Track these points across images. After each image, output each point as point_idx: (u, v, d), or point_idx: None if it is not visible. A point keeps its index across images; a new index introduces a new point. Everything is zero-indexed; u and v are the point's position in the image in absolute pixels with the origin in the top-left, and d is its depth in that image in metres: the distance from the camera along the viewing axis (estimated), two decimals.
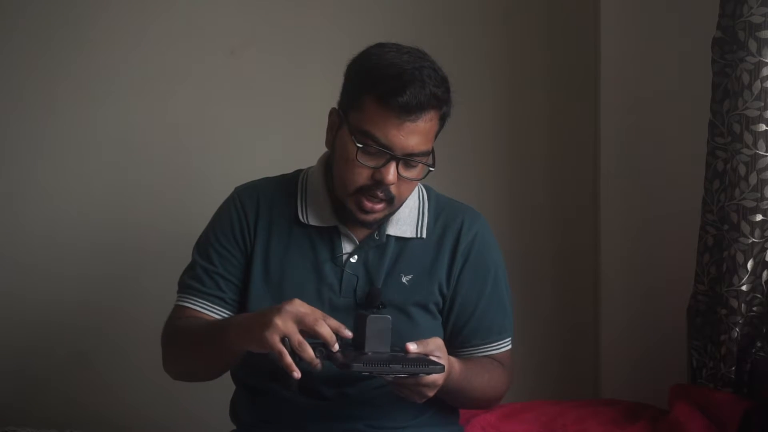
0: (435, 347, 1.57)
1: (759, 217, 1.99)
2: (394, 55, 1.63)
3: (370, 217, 1.69)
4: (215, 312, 1.74)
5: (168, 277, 1.84)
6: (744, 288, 2.01)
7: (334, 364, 1.50)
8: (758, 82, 1.95)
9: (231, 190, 1.83)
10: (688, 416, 1.97)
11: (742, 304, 2.01)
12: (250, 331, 1.53)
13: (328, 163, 1.77)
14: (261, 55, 2.61)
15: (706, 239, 2.14)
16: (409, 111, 1.60)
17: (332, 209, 1.75)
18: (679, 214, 2.34)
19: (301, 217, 1.75)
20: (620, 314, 2.50)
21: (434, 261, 1.77)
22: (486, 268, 1.80)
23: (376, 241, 1.75)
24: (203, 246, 1.79)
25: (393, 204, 1.69)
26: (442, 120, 1.68)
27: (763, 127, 1.96)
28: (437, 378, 1.54)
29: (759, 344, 2.05)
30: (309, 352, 1.48)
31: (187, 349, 1.72)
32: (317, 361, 1.49)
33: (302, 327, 1.50)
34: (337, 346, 1.50)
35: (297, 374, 1.47)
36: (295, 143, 2.36)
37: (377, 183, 1.64)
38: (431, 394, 1.57)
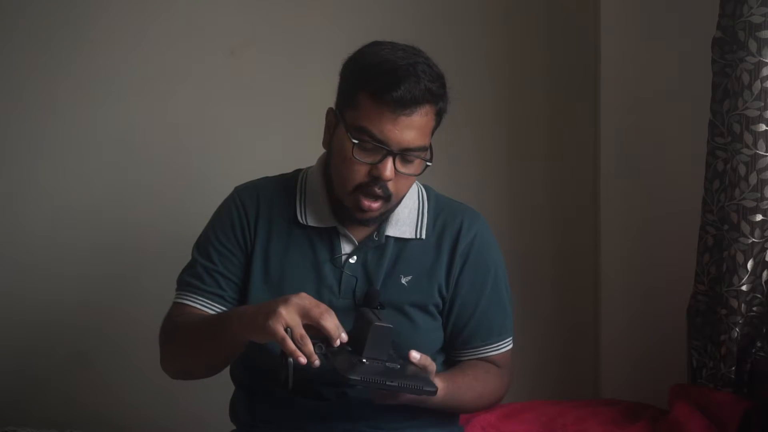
0: (430, 363, 1.59)
1: (759, 217, 1.98)
2: (389, 52, 1.64)
3: (368, 216, 1.69)
4: (214, 309, 1.74)
5: (168, 277, 1.83)
6: (744, 288, 2.01)
7: (329, 367, 1.50)
8: (758, 82, 1.95)
9: (231, 190, 1.83)
10: (688, 416, 1.97)
11: (742, 304, 2.01)
12: (254, 319, 1.53)
13: (326, 163, 1.77)
14: (261, 55, 2.61)
15: (706, 239, 2.14)
16: (404, 105, 1.60)
17: (331, 210, 1.75)
18: (679, 214, 2.33)
19: (299, 218, 1.76)
20: (620, 314, 2.50)
21: (434, 262, 1.77)
22: (486, 269, 1.80)
23: (375, 241, 1.75)
24: (203, 245, 1.79)
25: (390, 201, 1.69)
26: (439, 116, 1.68)
27: (763, 127, 1.96)
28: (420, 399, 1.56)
29: (759, 344, 2.05)
30: (309, 346, 1.49)
31: (186, 344, 1.72)
32: (316, 358, 1.49)
33: (307, 320, 1.51)
34: (338, 342, 1.51)
35: (302, 360, 1.48)
36: (295, 143, 2.36)
37: (375, 179, 1.64)
38: (391, 402, 1.59)
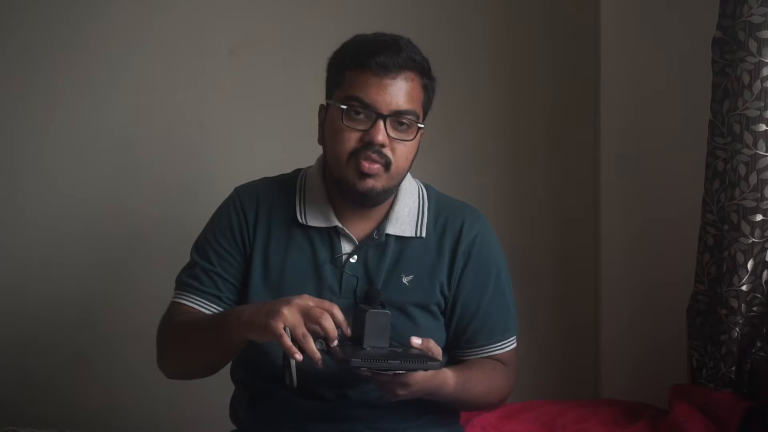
0: (434, 345, 1.58)
1: (759, 217, 1.98)
2: (370, 35, 1.72)
3: (371, 185, 1.67)
4: (211, 310, 1.75)
5: (168, 278, 1.83)
6: (744, 288, 2.01)
7: (332, 359, 1.51)
8: (758, 82, 1.95)
9: (231, 190, 1.83)
10: (688, 416, 1.97)
11: (742, 304, 2.01)
12: (255, 318, 1.54)
13: (324, 161, 1.77)
14: (261, 55, 2.61)
15: (706, 239, 2.14)
16: (388, 69, 1.65)
17: (331, 209, 1.75)
18: (679, 214, 2.34)
19: (299, 218, 1.75)
20: (620, 314, 2.50)
21: (435, 261, 1.77)
22: (488, 268, 1.80)
23: (376, 240, 1.75)
24: (202, 246, 1.79)
25: (390, 170, 1.68)
26: (426, 91, 1.71)
27: (763, 127, 1.96)
28: (424, 377, 1.55)
29: (759, 344, 2.05)
30: (311, 345, 1.49)
31: (184, 343, 1.72)
32: (319, 356, 1.49)
33: (308, 320, 1.51)
34: (336, 342, 1.51)
35: (299, 356, 1.48)
36: (294, 143, 2.35)
37: (368, 145, 1.65)
38: (404, 393, 1.57)
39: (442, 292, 1.77)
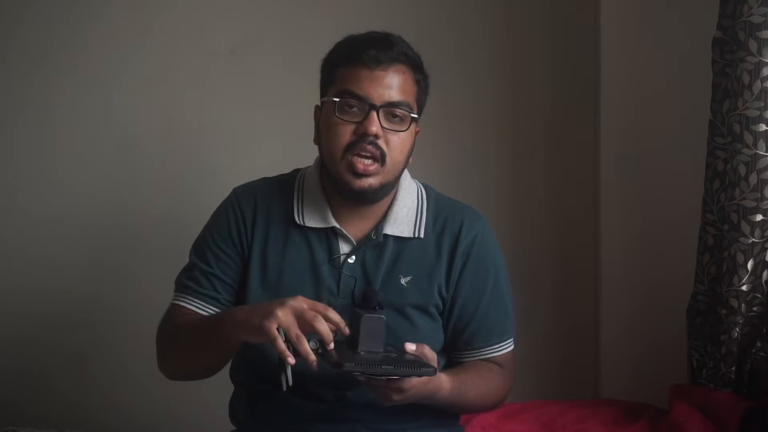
0: (429, 351, 1.58)
1: (759, 217, 1.98)
2: (362, 34, 1.73)
3: (366, 183, 1.68)
4: (209, 311, 1.75)
5: (168, 279, 1.83)
6: (744, 288, 2.01)
7: (327, 362, 1.51)
8: (758, 82, 1.95)
9: (230, 190, 1.83)
10: (688, 416, 1.97)
11: (742, 304, 2.01)
12: (249, 319, 1.54)
13: (321, 162, 1.77)
14: (261, 55, 2.61)
15: (706, 239, 2.13)
16: (379, 61, 1.67)
17: (328, 209, 1.75)
18: (679, 214, 2.34)
19: (297, 218, 1.75)
20: (620, 314, 2.49)
21: (434, 262, 1.76)
22: (486, 270, 1.80)
23: (374, 240, 1.75)
24: (200, 247, 1.79)
25: (386, 164, 1.68)
26: (419, 86, 1.72)
27: (763, 127, 1.96)
28: (419, 383, 1.55)
29: (759, 344, 2.05)
30: (305, 346, 1.49)
31: (183, 343, 1.72)
32: (313, 357, 1.49)
33: (301, 322, 1.50)
34: (332, 345, 1.51)
35: (291, 360, 1.48)
36: (294, 143, 2.35)
37: (362, 137, 1.66)
38: (399, 398, 1.57)
39: (440, 293, 1.76)
